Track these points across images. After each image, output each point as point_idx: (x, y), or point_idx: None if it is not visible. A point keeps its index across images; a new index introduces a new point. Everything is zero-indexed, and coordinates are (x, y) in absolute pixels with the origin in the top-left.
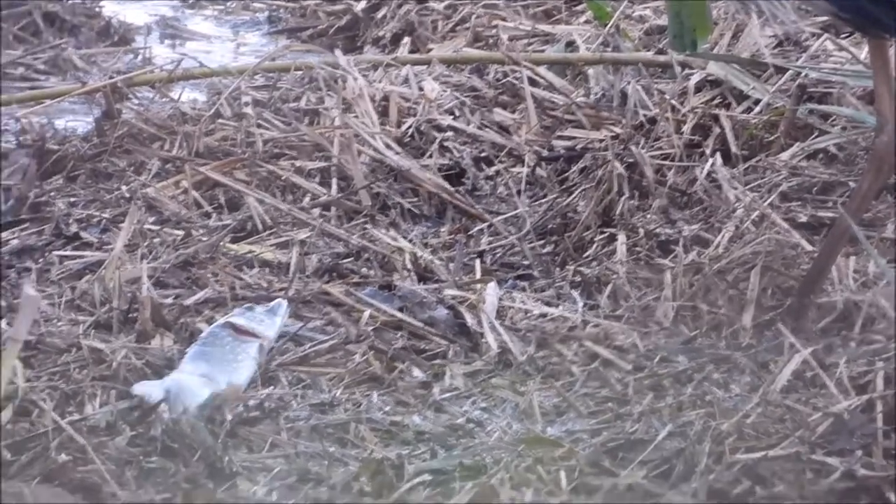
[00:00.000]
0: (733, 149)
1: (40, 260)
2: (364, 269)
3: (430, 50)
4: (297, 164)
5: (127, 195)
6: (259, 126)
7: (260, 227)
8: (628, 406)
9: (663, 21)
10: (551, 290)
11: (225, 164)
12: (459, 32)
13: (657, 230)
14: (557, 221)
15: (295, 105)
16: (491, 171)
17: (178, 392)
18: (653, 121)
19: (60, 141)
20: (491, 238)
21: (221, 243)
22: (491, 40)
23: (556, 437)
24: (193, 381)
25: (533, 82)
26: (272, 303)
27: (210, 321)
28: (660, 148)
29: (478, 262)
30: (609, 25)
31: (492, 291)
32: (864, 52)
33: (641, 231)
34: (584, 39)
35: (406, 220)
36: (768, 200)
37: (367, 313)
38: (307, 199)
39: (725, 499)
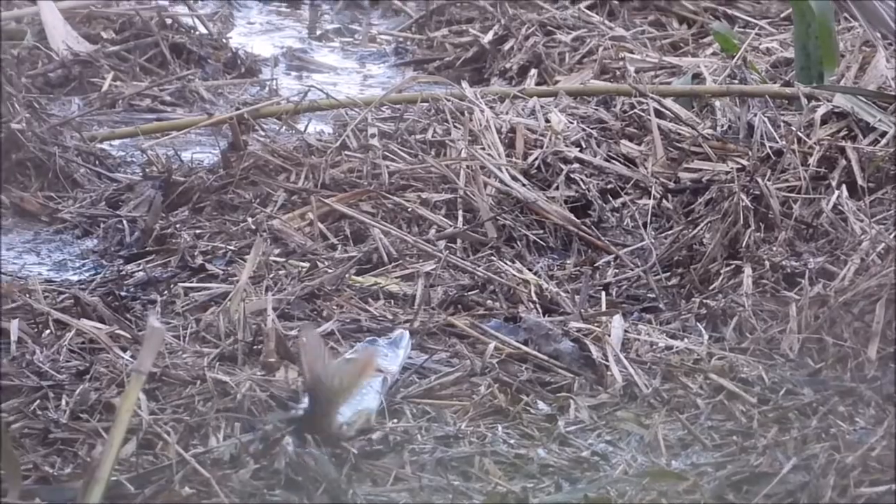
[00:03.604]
0: (859, 181)
1: (165, 292)
2: (489, 302)
3: (556, 82)
4: (423, 195)
5: (252, 227)
6: (385, 158)
7: (385, 259)
8: (753, 439)
9: (790, 53)
10: (677, 322)
11: (351, 195)
12: (586, 64)
13: (783, 262)
14: (683, 253)
15: (421, 137)
16: (617, 203)
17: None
18: (779, 153)
19: (186, 172)
20: (617, 270)
21: (347, 275)
22: (618, 72)
23: (681, 470)
24: None
25: (659, 114)
26: (395, 334)
27: (335, 353)
28: (786, 180)
29: (603, 294)
30: (736, 57)
31: (617, 324)
32: None
33: (767, 263)
34: (711, 71)
35: (532, 252)
36: (894, 233)
37: (492, 345)
38: (433, 230)
39: None
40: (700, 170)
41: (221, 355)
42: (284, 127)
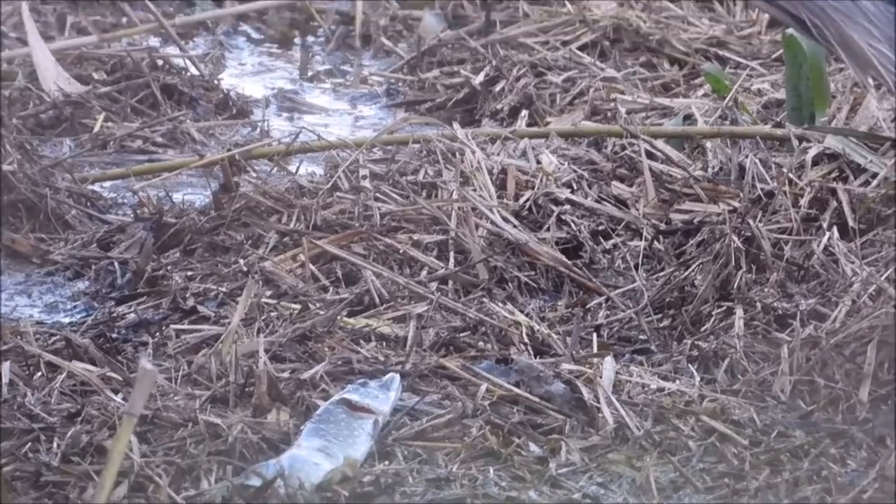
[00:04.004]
0: (850, 222)
1: (157, 334)
2: (481, 343)
3: (547, 123)
4: (415, 237)
5: (244, 269)
6: (376, 199)
7: (377, 300)
8: (745, 481)
9: (781, 94)
10: (668, 364)
11: (342, 237)
12: (577, 105)
13: (774, 304)
14: (675, 295)
15: (412, 178)
16: (608, 244)
17: (295, 467)
18: (770, 194)
19: (178, 214)
20: (608, 312)
21: (338, 317)
22: (609, 113)
23: None
24: (310, 457)
25: (651, 155)
26: (385, 377)
27: (327, 395)
28: (777, 221)
29: (595, 335)
30: (727, 98)
31: (608, 365)
32: None
33: (759, 305)
34: (702, 113)
35: (523, 294)
36: (885, 274)
37: (483, 387)
38: (424, 272)
39: None
40: (691, 211)
41: (213, 397)
42: (276, 168)
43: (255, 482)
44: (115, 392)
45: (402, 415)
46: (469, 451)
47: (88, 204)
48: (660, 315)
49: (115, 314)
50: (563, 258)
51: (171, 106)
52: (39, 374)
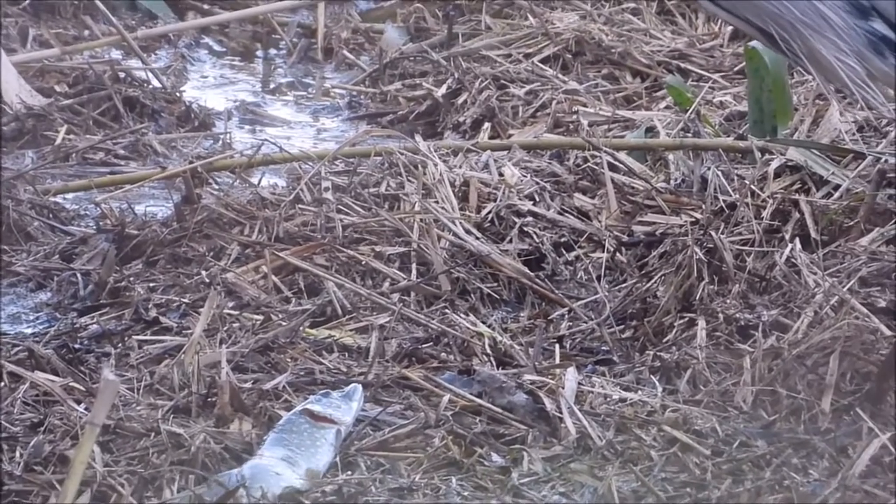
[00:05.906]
0: (813, 234)
1: (120, 344)
2: (443, 354)
3: (510, 135)
4: (377, 249)
5: (206, 280)
6: (339, 211)
7: (339, 312)
8: (707, 491)
9: (743, 107)
10: (631, 374)
11: (305, 249)
12: (540, 118)
13: (737, 315)
14: (637, 306)
15: (375, 190)
16: (571, 256)
17: (257, 477)
18: (732, 206)
19: (140, 226)
20: (570, 323)
21: (301, 328)
22: (571, 126)
23: None
24: (273, 466)
25: (613, 168)
26: (348, 388)
27: (289, 406)
28: (739, 233)
29: (557, 347)
30: (689, 111)
31: (571, 376)
32: None
33: (721, 316)
34: (665, 125)
35: (485, 305)
36: (847, 286)
37: (446, 398)
38: (387, 284)
39: None
40: (654, 223)
41: (175, 408)
42: (238, 180)
43: (218, 491)
44: (78, 402)
45: (364, 425)
46: (431, 461)
47: (50, 216)
48: (622, 326)
49: (77, 325)
50: (526, 270)
51: (133, 118)
52: (2, 384)
